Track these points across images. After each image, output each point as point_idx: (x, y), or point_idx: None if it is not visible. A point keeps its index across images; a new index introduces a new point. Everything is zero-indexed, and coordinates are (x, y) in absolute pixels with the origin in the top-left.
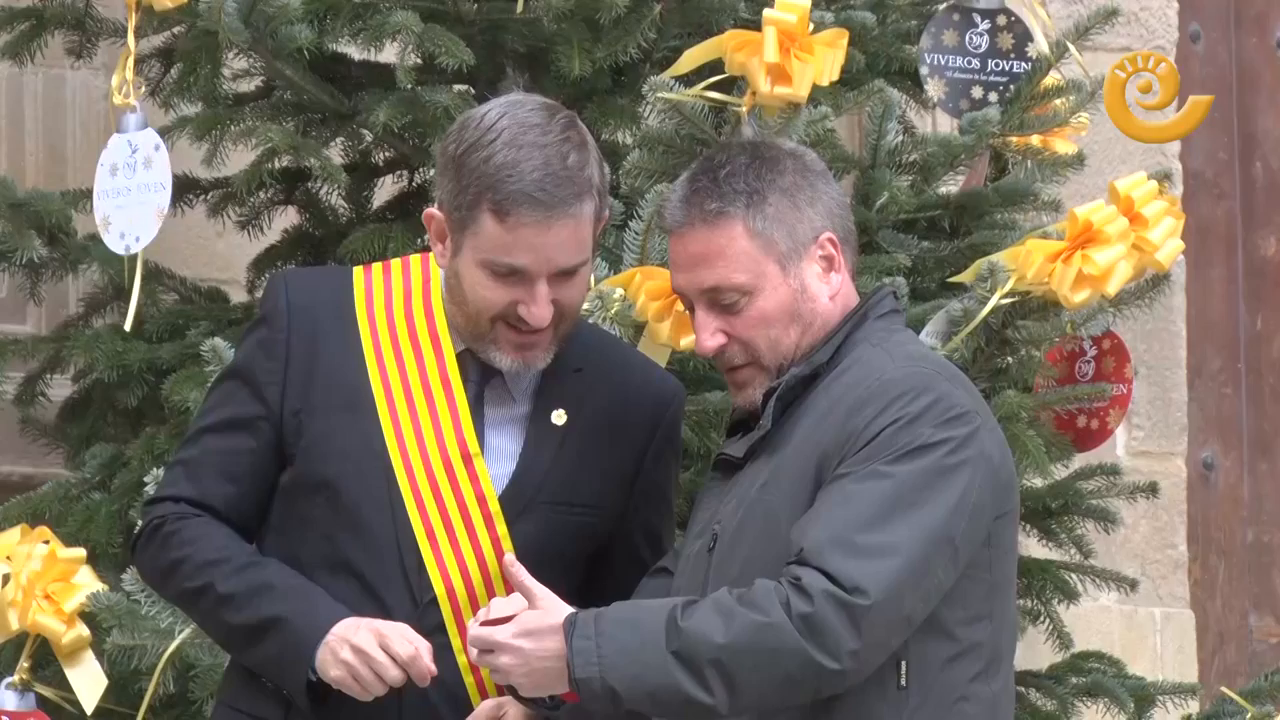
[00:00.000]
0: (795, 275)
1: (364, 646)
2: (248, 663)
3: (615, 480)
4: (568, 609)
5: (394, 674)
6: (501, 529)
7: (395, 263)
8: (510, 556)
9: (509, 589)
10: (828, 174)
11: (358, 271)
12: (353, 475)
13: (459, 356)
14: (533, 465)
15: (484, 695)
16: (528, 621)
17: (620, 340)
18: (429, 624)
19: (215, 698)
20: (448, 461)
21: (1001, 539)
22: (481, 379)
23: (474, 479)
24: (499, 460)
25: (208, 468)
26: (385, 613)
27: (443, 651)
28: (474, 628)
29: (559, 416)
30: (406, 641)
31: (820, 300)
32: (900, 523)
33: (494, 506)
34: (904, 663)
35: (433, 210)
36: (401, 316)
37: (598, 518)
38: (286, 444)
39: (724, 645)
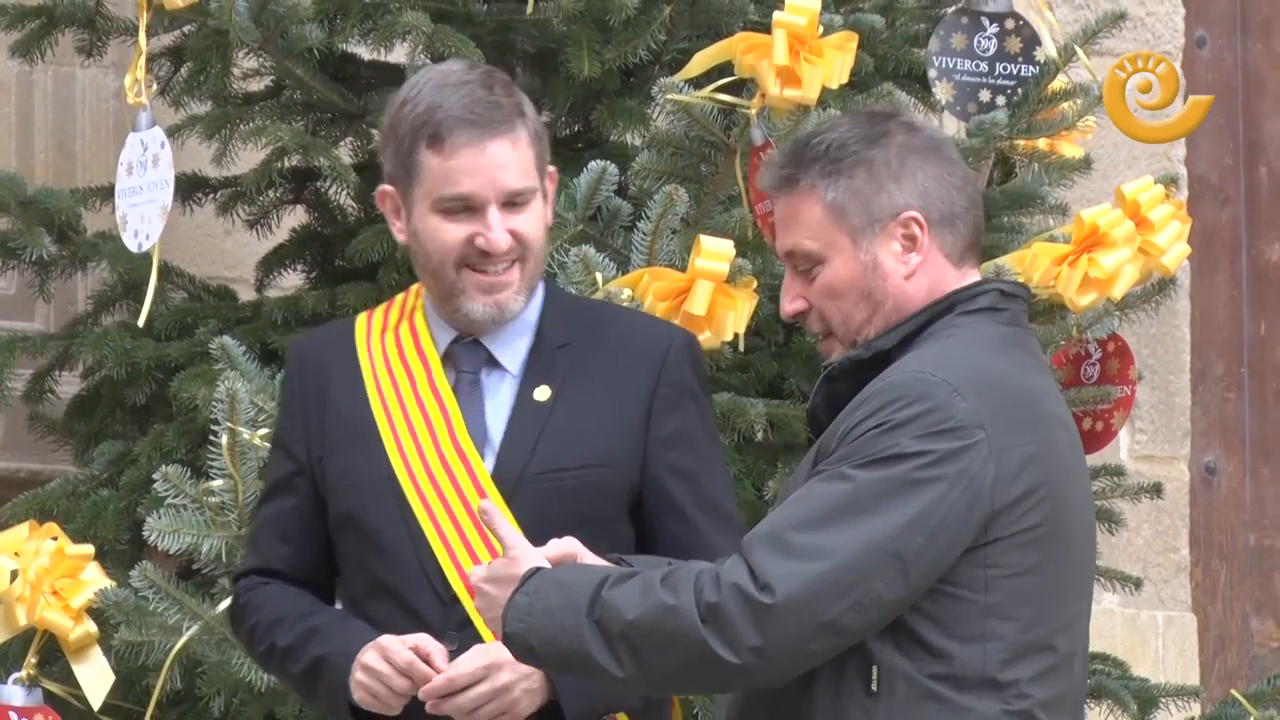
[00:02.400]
0: (868, 250)
1: (369, 663)
2: (321, 710)
3: (622, 432)
4: (538, 561)
5: (399, 683)
6: (504, 512)
7: (394, 299)
8: (485, 502)
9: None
10: (939, 154)
11: (361, 316)
12: (370, 503)
13: (452, 350)
14: (516, 444)
15: None
16: (496, 569)
17: (612, 306)
18: (456, 622)
19: None
20: (447, 465)
21: (1005, 562)
22: (475, 368)
23: (471, 474)
24: (499, 445)
25: (265, 536)
26: (421, 622)
27: (473, 644)
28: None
29: (542, 393)
30: (405, 649)
31: (893, 279)
32: (842, 528)
33: (493, 494)
34: (876, 668)
35: (383, 186)
36: (392, 342)
37: (604, 473)
38: (321, 490)
39: (631, 621)
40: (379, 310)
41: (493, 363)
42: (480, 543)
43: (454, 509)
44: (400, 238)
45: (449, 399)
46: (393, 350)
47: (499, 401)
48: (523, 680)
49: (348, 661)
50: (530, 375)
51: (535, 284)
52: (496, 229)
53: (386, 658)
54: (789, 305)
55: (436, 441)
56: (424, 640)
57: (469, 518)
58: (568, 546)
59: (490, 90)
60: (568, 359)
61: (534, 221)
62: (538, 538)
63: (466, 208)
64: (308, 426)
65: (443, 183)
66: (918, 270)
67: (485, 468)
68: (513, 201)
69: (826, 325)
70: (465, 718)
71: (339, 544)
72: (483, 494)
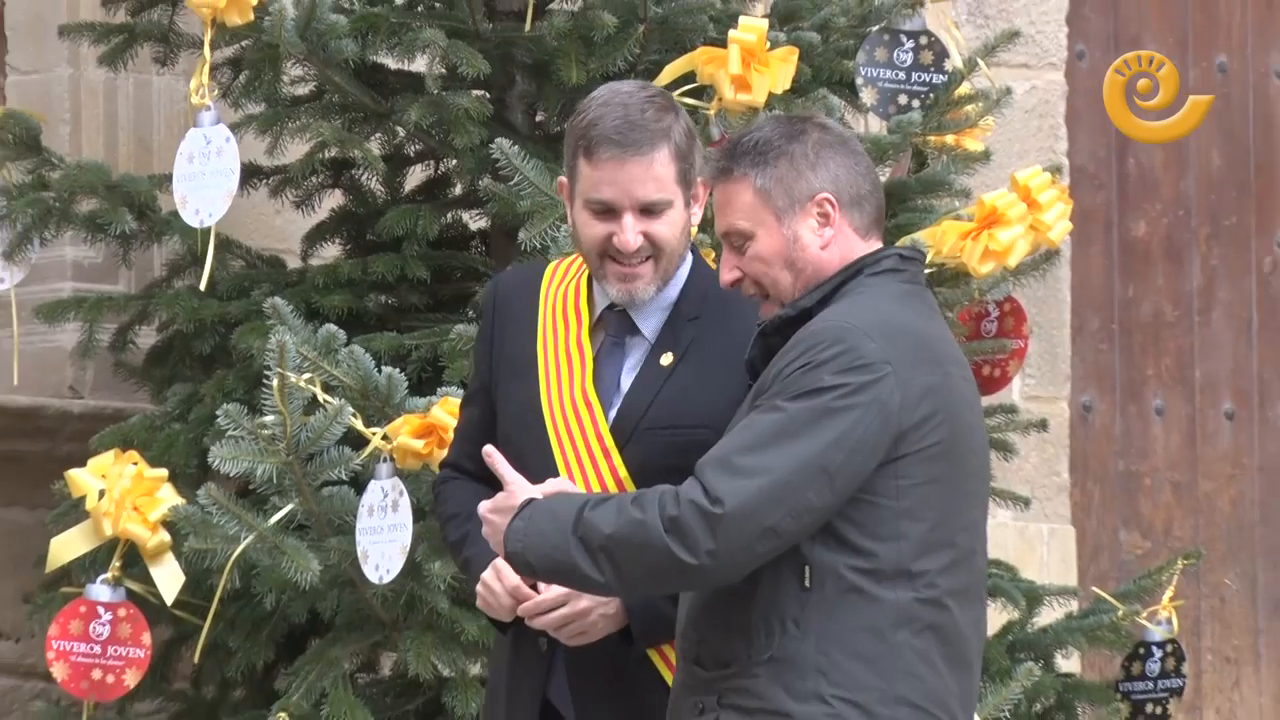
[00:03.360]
0: (790, 226)
1: (486, 580)
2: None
3: (727, 401)
4: (532, 494)
5: (506, 602)
6: (616, 457)
7: (579, 256)
8: (489, 447)
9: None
10: (847, 147)
11: (553, 263)
12: (521, 429)
13: (605, 315)
14: (636, 400)
15: None
16: (498, 500)
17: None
18: None
19: None
20: (576, 410)
21: (913, 473)
22: (620, 333)
23: (594, 420)
24: (623, 400)
25: (458, 437)
26: None
27: None
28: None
29: (666, 358)
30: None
31: (811, 249)
32: (777, 450)
33: (608, 440)
34: (808, 567)
35: (560, 178)
36: (562, 295)
37: (707, 434)
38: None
39: (609, 535)
40: (566, 261)
41: (635, 329)
42: (594, 475)
43: (579, 448)
44: (569, 221)
45: (587, 354)
46: (560, 302)
47: (632, 362)
48: (599, 607)
49: (481, 570)
50: (660, 342)
51: (670, 274)
52: (629, 232)
53: (499, 578)
54: (726, 275)
55: (572, 388)
56: None
57: (589, 457)
58: (559, 485)
59: (643, 113)
60: (695, 330)
61: (667, 225)
62: (644, 482)
63: (607, 211)
64: (490, 353)
65: (590, 188)
66: (831, 242)
67: (606, 418)
68: (648, 209)
69: (763, 289)
70: (553, 633)
71: (504, 454)
72: (601, 440)
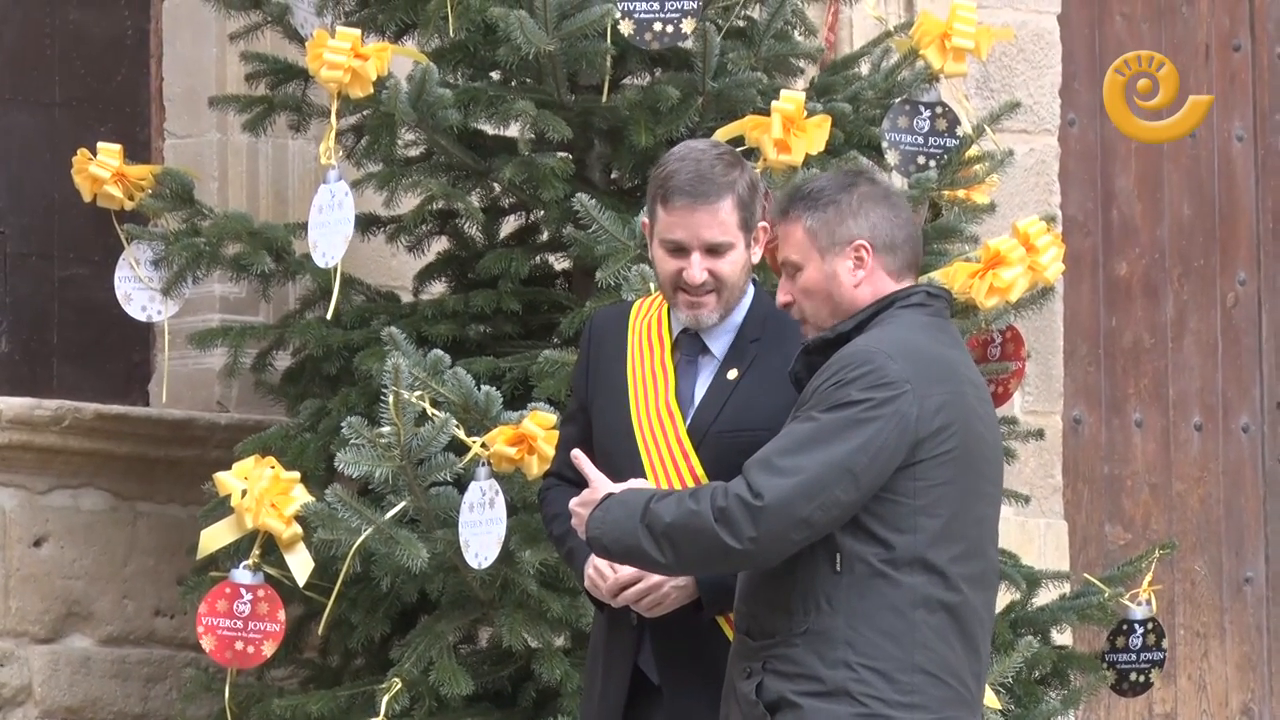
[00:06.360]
0: (830, 263)
1: (595, 563)
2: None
3: (784, 408)
4: (611, 489)
5: (606, 586)
6: (693, 456)
7: (658, 293)
8: (576, 451)
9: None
10: (888, 200)
11: (638, 301)
12: (613, 440)
13: (680, 338)
14: (707, 409)
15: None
16: (584, 495)
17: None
18: None
19: None
20: (660, 418)
21: (929, 476)
22: (693, 353)
23: (675, 426)
24: (696, 408)
25: (560, 451)
26: None
27: None
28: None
29: (732, 373)
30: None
31: (845, 286)
32: (811, 453)
33: (687, 443)
34: (839, 554)
35: (643, 219)
36: (647, 325)
37: (767, 435)
38: (590, 424)
39: (670, 523)
40: (648, 299)
41: (705, 349)
42: (675, 476)
43: (663, 450)
44: (650, 257)
45: (670, 371)
46: (645, 331)
47: (704, 377)
48: (671, 580)
49: (584, 559)
50: (727, 360)
51: (732, 303)
52: (696, 268)
53: (595, 566)
54: (780, 298)
55: (657, 400)
56: None
57: (670, 457)
58: (635, 484)
59: (712, 169)
60: (757, 350)
61: (729, 264)
62: (717, 475)
63: (679, 249)
64: (587, 378)
65: (665, 229)
66: (863, 282)
67: (685, 423)
68: (713, 250)
69: (804, 315)
70: (633, 606)
71: (598, 464)
72: (681, 443)
